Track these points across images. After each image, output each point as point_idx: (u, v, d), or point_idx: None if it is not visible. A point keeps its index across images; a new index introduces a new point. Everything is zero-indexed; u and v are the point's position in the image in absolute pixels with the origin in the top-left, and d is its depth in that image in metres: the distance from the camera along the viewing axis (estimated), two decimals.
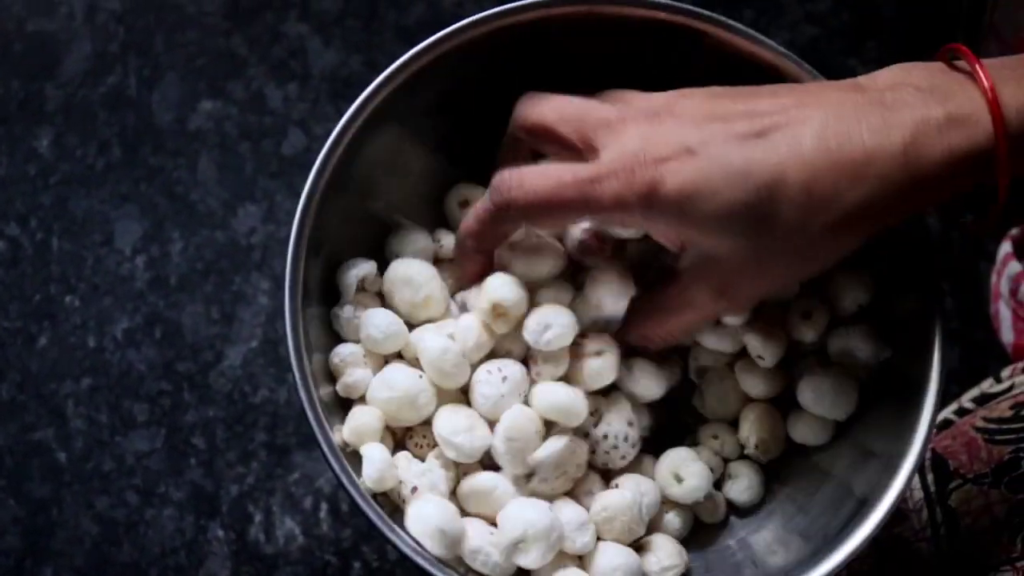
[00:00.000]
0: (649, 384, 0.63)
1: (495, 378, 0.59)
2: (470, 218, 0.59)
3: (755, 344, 0.63)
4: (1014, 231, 0.91)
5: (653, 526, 0.63)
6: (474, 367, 0.60)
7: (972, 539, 0.60)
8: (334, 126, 0.60)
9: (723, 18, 0.62)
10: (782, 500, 0.65)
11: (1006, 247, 0.90)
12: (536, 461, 0.59)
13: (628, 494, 0.60)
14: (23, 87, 0.96)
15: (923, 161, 0.49)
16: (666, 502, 0.63)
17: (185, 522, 0.86)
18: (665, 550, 0.61)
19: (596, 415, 0.62)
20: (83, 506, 0.86)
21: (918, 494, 0.63)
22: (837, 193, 0.50)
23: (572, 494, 0.61)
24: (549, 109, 0.56)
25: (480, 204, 0.58)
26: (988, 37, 0.88)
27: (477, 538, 0.57)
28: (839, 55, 1.01)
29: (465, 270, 0.62)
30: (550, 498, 0.60)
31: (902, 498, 0.56)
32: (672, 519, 0.63)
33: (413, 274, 0.62)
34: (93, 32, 0.97)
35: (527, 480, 0.59)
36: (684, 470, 0.62)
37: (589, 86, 0.58)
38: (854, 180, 0.49)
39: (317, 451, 0.82)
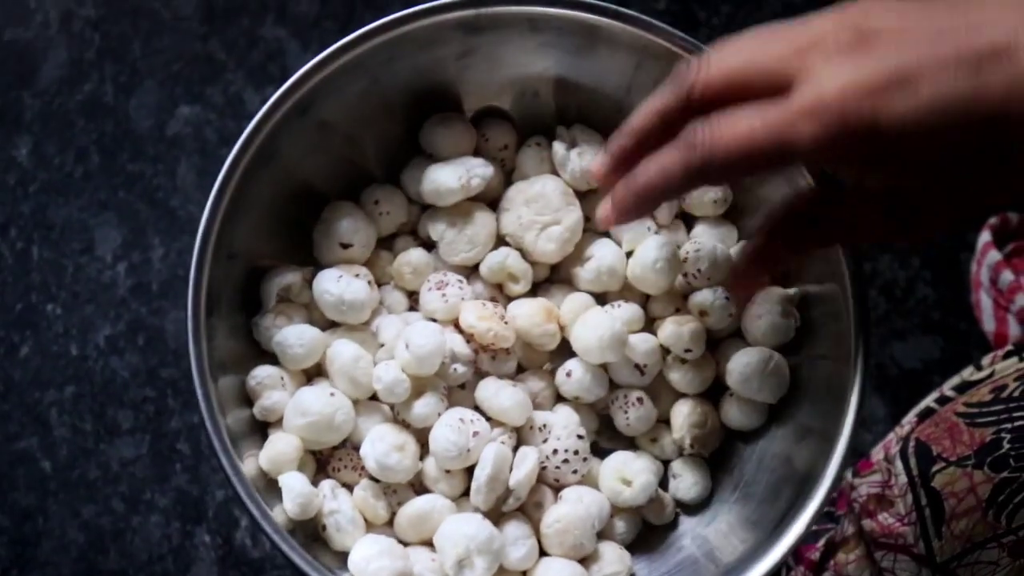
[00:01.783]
0: (592, 387, 0.63)
1: (466, 429, 0.59)
2: (652, 168, 0.51)
3: (680, 339, 0.62)
4: (993, 220, 0.91)
5: (600, 535, 0.62)
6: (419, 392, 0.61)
7: (957, 520, 0.60)
8: None
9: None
10: (729, 490, 0.65)
11: (985, 236, 0.91)
12: (516, 483, 0.59)
13: (582, 508, 0.60)
14: (0, 96, 0.95)
15: None
16: (614, 510, 0.63)
17: (171, 528, 0.85)
18: (607, 557, 0.60)
19: (545, 430, 0.61)
20: (69, 514, 0.85)
21: (902, 479, 0.64)
22: None
23: (521, 508, 0.61)
24: (729, 59, 0.50)
25: (665, 157, 0.51)
26: None
27: (419, 565, 0.57)
28: None
29: (625, 216, 0.55)
30: (504, 515, 0.60)
31: (844, 469, 0.56)
32: (619, 525, 0.63)
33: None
34: (69, 40, 0.97)
35: (501, 504, 0.59)
36: (629, 471, 0.62)
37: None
38: None
39: None
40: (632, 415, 0.63)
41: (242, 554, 0.85)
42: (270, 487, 0.58)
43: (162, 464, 0.87)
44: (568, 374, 0.62)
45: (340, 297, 0.61)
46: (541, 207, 0.64)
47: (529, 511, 0.61)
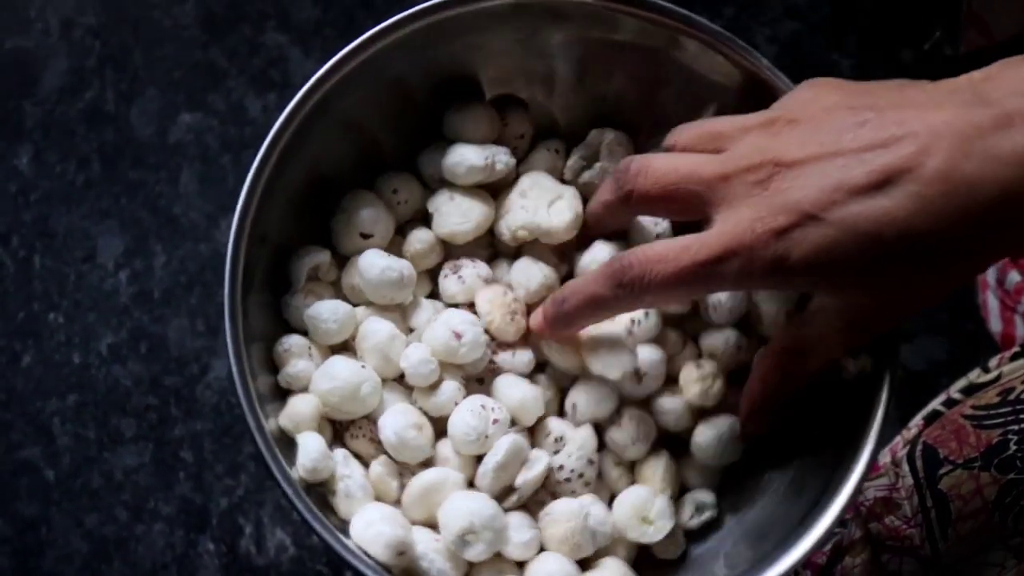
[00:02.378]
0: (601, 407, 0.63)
1: (486, 416, 0.59)
2: (580, 295, 0.56)
3: (705, 396, 0.62)
4: None
5: (605, 551, 0.61)
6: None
7: (963, 522, 0.60)
8: None
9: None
10: (738, 508, 0.64)
11: None
12: (523, 482, 0.58)
13: (576, 503, 0.59)
14: (1, 105, 0.95)
15: None
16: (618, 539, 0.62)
17: (175, 536, 0.85)
18: (611, 569, 0.60)
19: (559, 443, 0.61)
20: (72, 524, 0.85)
21: (908, 482, 0.63)
22: (974, 237, 0.46)
23: (524, 506, 0.60)
24: (654, 180, 0.54)
25: (592, 287, 0.56)
26: (967, 26, 0.88)
27: (421, 544, 0.57)
28: (821, 49, 1.01)
29: (554, 333, 0.61)
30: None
31: (863, 482, 0.56)
32: (620, 549, 0.62)
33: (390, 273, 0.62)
34: (70, 48, 0.97)
35: (504, 497, 0.59)
36: (651, 512, 0.61)
37: None
38: (991, 223, 0.46)
39: None
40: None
41: (246, 562, 0.85)
42: (287, 451, 0.58)
43: (165, 472, 0.86)
44: (573, 406, 0.62)
45: (398, 271, 0.61)
46: (539, 191, 0.64)
47: (532, 508, 0.60)
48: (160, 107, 0.96)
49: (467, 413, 0.59)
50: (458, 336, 0.60)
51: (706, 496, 0.63)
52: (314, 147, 0.61)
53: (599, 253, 0.63)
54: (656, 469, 0.62)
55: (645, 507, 0.60)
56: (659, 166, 0.54)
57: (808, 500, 0.58)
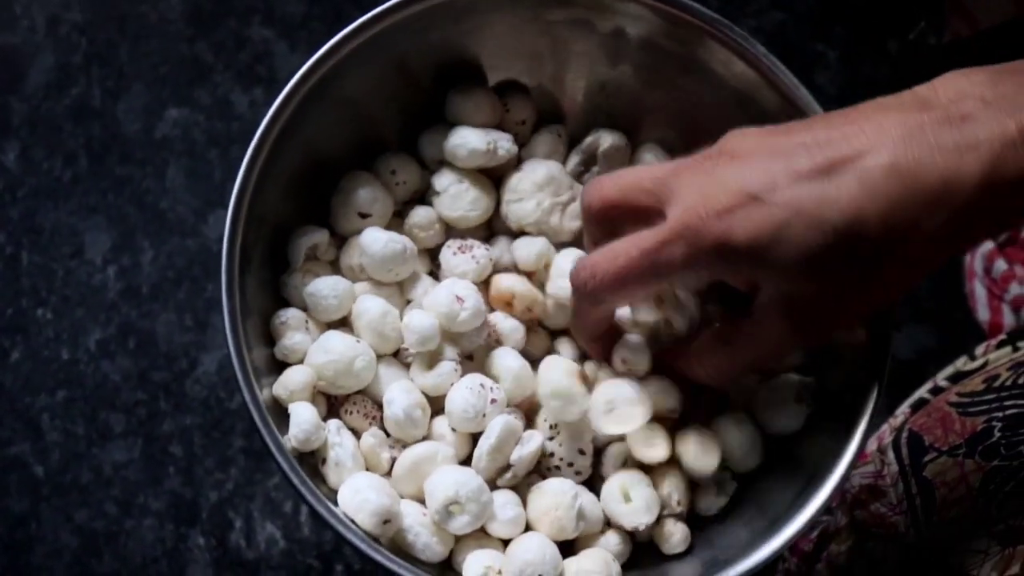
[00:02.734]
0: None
1: (484, 395, 0.59)
2: (573, 312, 0.60)
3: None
4: None
5: (590, 542, 0.61)
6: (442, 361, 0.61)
7: (947, 508, 0.60)
8: None
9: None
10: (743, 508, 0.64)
11: None
12: (518, 459, 0.59)
13: (567, 483, 0.59)
14: None
15: (1004, 181, 0.46)
16: (611, 525, 0.61)
17: (165, 531, 0.85)
18: (592, 558, 0.59)
19: (554, 430, 0.61)
20: (62, 519, 0.85)
21: (894, 469, 0.63)
22: (916, 225, 0.47)
23: (515, 488, 0.61)
24: (609, 187, 0.55)
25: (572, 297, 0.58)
26: (951, 15, 0.88)
27: (409, 517, 0.57)
28: (807, 40, 1.01)
29: (591, 352, 0.62)
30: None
31: (852, 467, 0.56)
32: (611, 538, 0.61)
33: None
34: (56, 44, 0.97)
35: (500, 474, 0.59)
36: (635, 491, 0.61)
37: None
38: (933, 210, 0.47)
39: None
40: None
41: (236, 556, 0.85)
42: (280, 420, 0.58)
43: (155, 467, 0.86)
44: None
45: (401, 243, 0.61)
46: (556, 188, 0.65)
47: (522, 489, 0.60)
48: (146, 102, 0.96)
49: (466, 391, 0.59)
50: (460, 300, 0.60)
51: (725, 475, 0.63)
52: (312, 128, 0.62)
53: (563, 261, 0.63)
54: (664, 475, 0.61)
55: (631, 485, 0.60)
56: (612, 176, 0.55)
57: (798, 485, 0.58)
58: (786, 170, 0.48)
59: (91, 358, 0.89)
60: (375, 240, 0.61)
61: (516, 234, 0.66)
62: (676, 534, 0.61)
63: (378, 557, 0.54)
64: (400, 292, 0.64)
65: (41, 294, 0.91)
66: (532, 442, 0.59)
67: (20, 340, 0.89)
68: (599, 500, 0.61)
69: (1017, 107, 0.46)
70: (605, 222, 0.55)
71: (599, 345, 0.61)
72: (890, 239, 0.47)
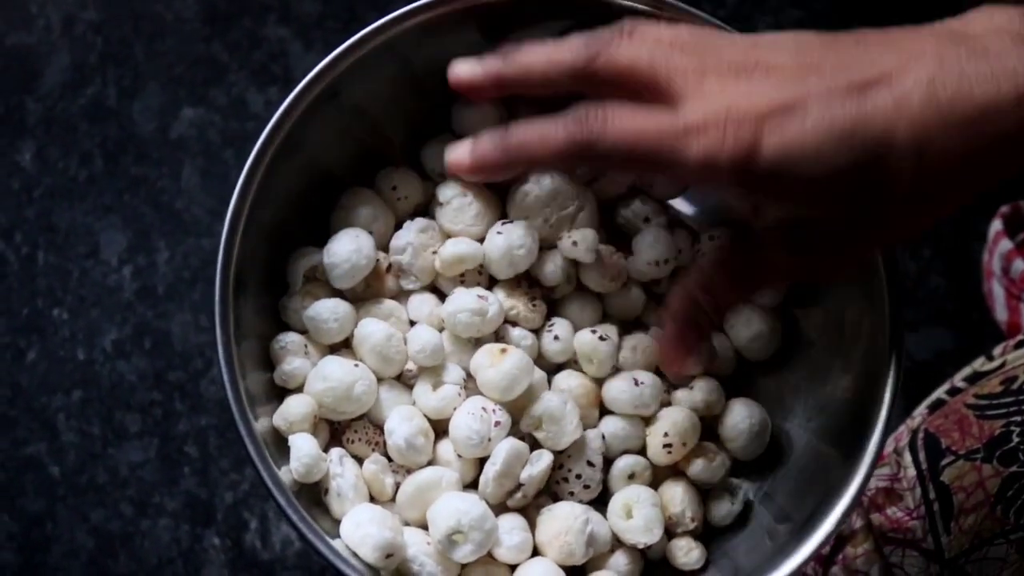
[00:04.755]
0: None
1: (488, 419, 0.59)
2: (534, 131, 0.52)
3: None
4: (1004, 208, 0.90)
5: (599, 564, 0.60)
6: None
7: (965, 515, 0.59)
8: None
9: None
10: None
11: (996, 225, 0.90)
12: (528, 478, 0.58)
13: (579, 507, 0.58)
14: (3, 101, 0.96)
15: None
16: (618, 544, 0.61)
17: (181, 531, 0.85)
18: None
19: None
20: (78, 519, 0.85)
21: (911, 472, 0.63)
22: (950, 151, 0.46)
23: (523, 510, 0.60)
24: (625, 52, 0.50)
25: (549, 125, 0.51)
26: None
27: (413, 547, 0.56)
28: None
29: (488, 166, 0.55)
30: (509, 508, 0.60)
31: (872, 471, 0.55)
32: (619, 559, 0.61)
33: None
34: (71, 44, 0.97)
35: (509, 496, 0.59)
36: (637, 509, 0.60)
37: None
38: (968, 137, 0.45)
39: None
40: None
41: (252, 556, 0.85)
42: (281, 450, 0.58)
43: (170, 467, 0.87)
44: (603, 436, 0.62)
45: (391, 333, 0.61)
46: (562, 201, 0.64)
47: (530, 512, 0.60)
48: (162, 102, 0.96)
49: (468, 417, 0.58)
50: (483, 298, 0.60)
51: (737, 481, 0.63)
52: (315, 137, 0.61)
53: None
54: (675, 493, 0.61)
55: (633, 501, 0.59)
56: (635, 44, 0.51)
57: (817, 495, 0.57)
58: (821, 85, 0.46)
59: (107, 358, 0.89)
60: (371, 332, 0.61)
61: None
62: (693, 551, 0.60)
63: None
64: (401, 312, 0.63)
65: (57, 294, 0.91)
66: (541, 462, 0.58)
67: (36, 340, 0.90)
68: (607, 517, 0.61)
69: None
70: (600, 81, 0.51)
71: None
72: (922, 165, 0.46)
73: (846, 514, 0.54)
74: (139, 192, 0.93)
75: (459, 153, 0.55)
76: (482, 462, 0.59)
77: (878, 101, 0.45)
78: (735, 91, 0.47)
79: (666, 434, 0.60)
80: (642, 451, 0.61)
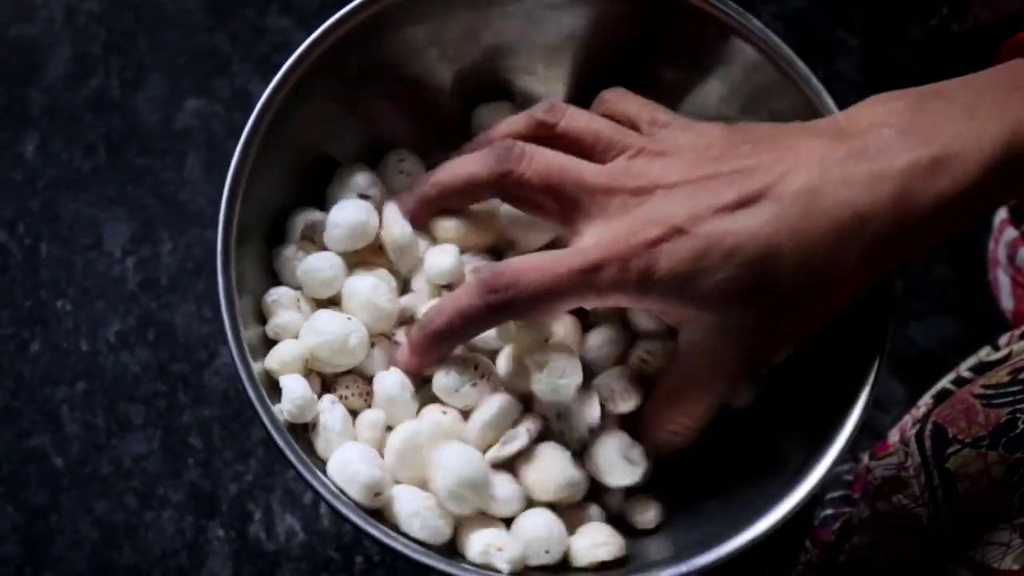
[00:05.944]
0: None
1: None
2: (449, 310, 0.54)
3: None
4: None
5: (579, 519, 0.60)
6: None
7: (970, 501, 0.59)
8: None
9: None
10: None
11: (1002, 213, 0.90)
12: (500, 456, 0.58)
13: (557, 449, 0.59)
14: (6, 92, 0.95)
15: (914, 210, 0.48)
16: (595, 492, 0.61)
17: (185, 523, 0.85)
18: (598, 529, 0.59)
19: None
20: (82, 511, 0.85)
21: (916, 460, 0.63)
22: (832, 257, 0.49)
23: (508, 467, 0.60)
24: (545, 167, 0.55)
25: (463, 299, 0.54)
26: (974, 1, 0.88)
27: (413, 502, 0.56)
28: (828, 26, 1.00)
29: (423, 360, 0.58)
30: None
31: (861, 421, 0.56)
32: (595, 512, 0.61)
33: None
34: (74, 35, 0.97)
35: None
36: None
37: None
38: (847, 242, 0.49)
39: None
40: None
41: (256, 547, 0.85)
42: (273, 394, 0.58)
43: (174, 459, 0.87)
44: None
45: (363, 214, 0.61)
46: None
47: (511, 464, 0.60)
48: (165, 93, 0.96)
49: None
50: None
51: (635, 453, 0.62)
52: (311, 121, 0.62)
53: (441, 261, 0.62)
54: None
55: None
56: (546, 157, 0.55)
57: (787, 474, 0.57)
58: (711, 203, 0.50)
59: (110, 350, 0.89)
60: (359, 286, 0.61)
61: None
62: (649, 511, 0.61)
63: (391, 542, 0.53)
64: (390, 273, 0.63)
65: (60, 285, 0.91)
66: (517, 442, 0.59)
67: (39, 332, 0.90)
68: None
69: (932, 137, 0.48)
70: (509, 190, 0.56)
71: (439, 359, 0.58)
72: (807, 270, 0.49)
73: (804, 500, 0.55)
74: (143, 183, 0.93)
75: (403, 357, 0.59)
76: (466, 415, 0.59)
77: (760, 216, 0.49)
78: (636, 216, 0.52)
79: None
80: None
